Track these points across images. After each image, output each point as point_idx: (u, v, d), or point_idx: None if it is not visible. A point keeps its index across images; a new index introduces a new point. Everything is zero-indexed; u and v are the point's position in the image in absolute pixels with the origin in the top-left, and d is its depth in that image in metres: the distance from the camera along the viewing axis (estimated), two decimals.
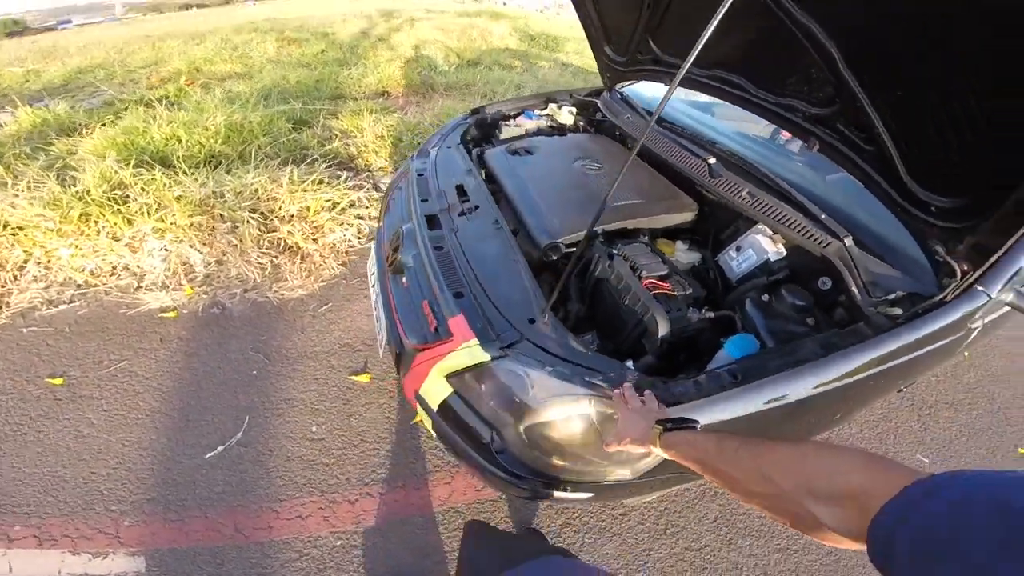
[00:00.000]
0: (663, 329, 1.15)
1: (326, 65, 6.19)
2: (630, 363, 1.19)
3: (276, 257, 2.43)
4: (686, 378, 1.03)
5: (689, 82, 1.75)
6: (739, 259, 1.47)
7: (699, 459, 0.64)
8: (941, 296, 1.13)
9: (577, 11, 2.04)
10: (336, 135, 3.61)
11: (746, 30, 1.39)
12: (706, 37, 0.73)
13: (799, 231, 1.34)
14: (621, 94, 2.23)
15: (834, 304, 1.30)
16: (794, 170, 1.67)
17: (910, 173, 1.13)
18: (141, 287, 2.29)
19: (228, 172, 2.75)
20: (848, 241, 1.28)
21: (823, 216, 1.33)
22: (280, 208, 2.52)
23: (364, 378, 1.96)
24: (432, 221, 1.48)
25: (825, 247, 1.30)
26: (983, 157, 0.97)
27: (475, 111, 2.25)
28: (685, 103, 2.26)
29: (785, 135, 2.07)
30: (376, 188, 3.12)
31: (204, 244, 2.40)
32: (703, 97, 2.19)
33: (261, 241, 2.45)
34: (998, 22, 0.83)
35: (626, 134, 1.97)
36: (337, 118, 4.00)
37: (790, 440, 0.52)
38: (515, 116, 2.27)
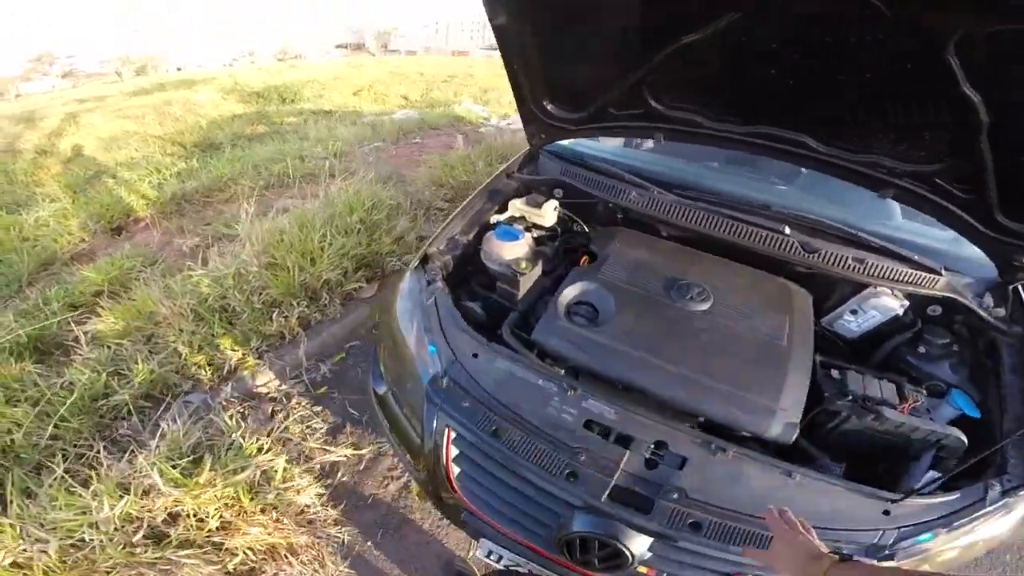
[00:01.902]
0: (966, 441, 1.14)
1: None
2: (931, 475, 1.14)
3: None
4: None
5: (719, 140, 1.58)
6: (859, 321, 1.48)
7: None
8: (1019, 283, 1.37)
9: (507, 65, 1.60)
10: (124, 352, 2.24)
11: (840, 88, 1.22)
12: None
13: (911, 282, 1.41)
14: (565, 156, 1.90)
15: (949, 323, 1.45)
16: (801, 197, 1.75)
17: (1006, 212, 1.26)
18: None
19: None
20: (944, 272, 1.42)
21: (916, 257, 1.42)
22: (195, 528, 1.45)
23: None
24: (631, 500, 1.04)
25: (935, 286, 1.41)
26: None
27: (424, 260, 1.61)
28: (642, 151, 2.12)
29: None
30: (248, 397, 2.12)
31: None
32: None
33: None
34: None
35: (647, 216, 1.66)
36: (98, 312, 2.54)
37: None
38: (475, 238, 1.72)
